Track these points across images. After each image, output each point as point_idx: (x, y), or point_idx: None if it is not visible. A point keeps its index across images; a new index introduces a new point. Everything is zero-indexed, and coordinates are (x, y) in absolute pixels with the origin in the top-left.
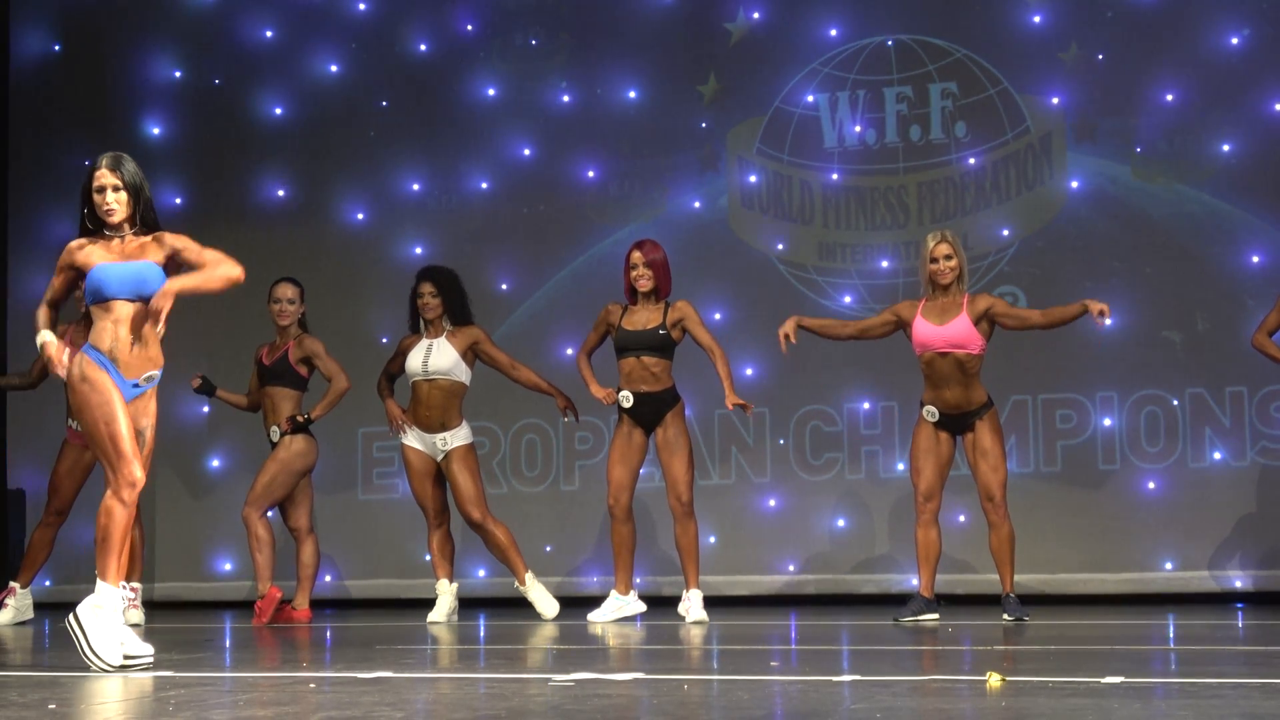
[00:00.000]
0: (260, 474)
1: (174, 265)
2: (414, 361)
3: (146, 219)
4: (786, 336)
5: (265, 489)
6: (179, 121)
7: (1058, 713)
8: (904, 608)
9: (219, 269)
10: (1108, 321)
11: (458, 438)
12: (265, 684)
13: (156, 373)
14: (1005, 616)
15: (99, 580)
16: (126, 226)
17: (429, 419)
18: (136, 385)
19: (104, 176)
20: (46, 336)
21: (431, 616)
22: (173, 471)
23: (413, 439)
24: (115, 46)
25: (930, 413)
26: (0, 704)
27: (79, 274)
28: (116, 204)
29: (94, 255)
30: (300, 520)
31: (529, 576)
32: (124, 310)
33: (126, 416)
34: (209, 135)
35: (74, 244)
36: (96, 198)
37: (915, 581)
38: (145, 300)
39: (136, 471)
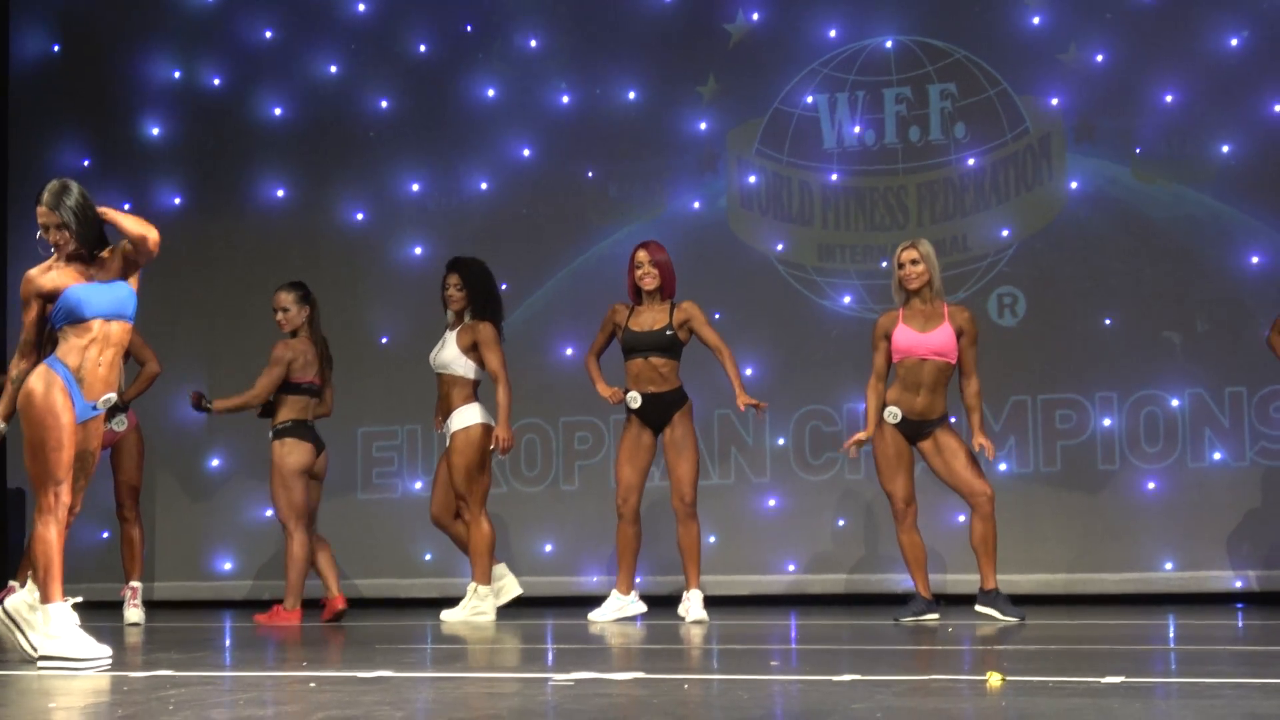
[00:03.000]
0: (272, 490)
1: (130, 267)
2: (431, 353)
3: (95, 241)
4: (859, 443)
5: (286, 501)
6: (178, 122)
7: (1058, 713)
8: (904, 608)
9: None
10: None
11: (454, 422)
12: (266, 683)
13: (113, 396)
14: (988, 611)
15: (43, 605)
16: (81, 252)
17: (440, 408)
18: (94, 407)
19: (44, 216)
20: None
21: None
22: (172, 472)
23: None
24: (115, 47)
25: (893, 414)
26: (1, 703)
27: (47, 300)
28: (61, 240)
29: (61, 278)
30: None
31: (480, 587)
32: (100, 330)
33: (72, 445)
34: (208, 135)
35: (33, 272)
36: (44, 233)
37: (905, 579)
38: (122, 319)
39: (67, 495)
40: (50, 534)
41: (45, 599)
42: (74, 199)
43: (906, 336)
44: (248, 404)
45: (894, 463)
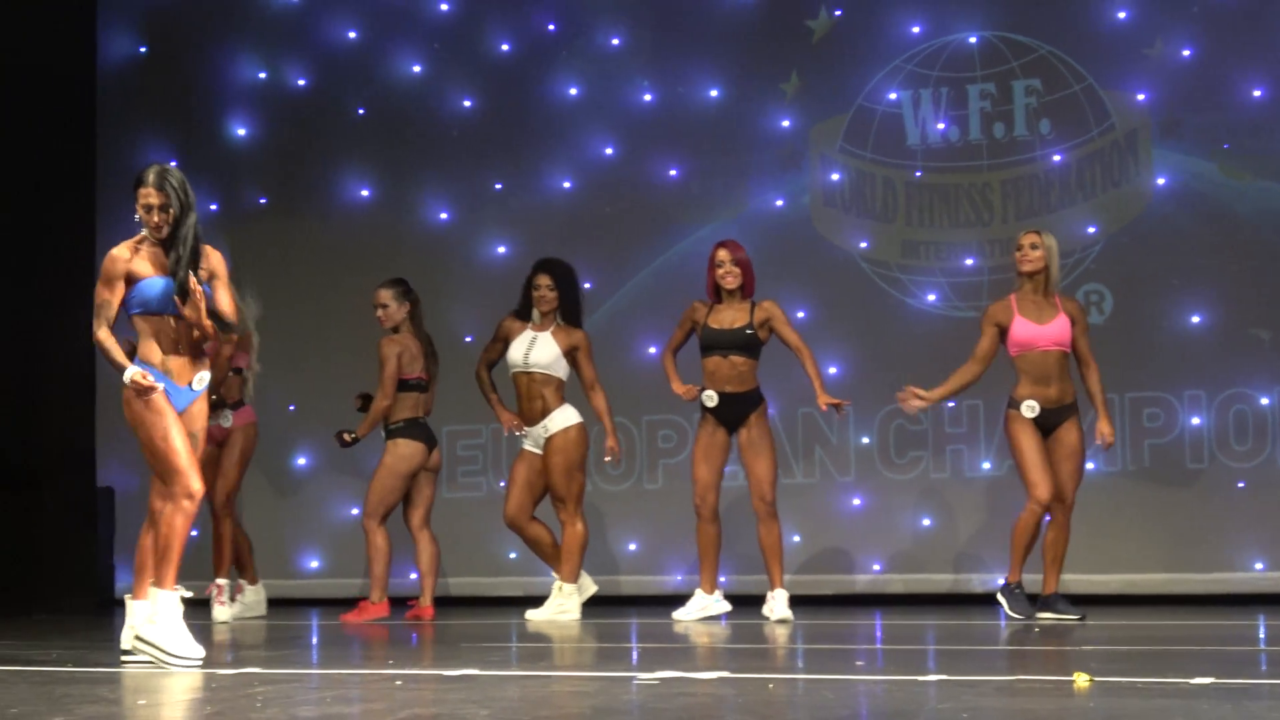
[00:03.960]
0: (371, 482)
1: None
2: (515, 352)
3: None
4: (911, 403)
5: (379, 498)
6: (263, 122)
7: (1146, 713)
8: (1036, 605)
9: (231, 313)
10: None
11: (554, 423)
12: (352, 681)
13: (206, 374)
14: (1048, 615)
15: (155, 589)
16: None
17: (531, 410)
18: (191, 389)
19: (149, 195)
20: (133, 371)
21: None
22: (258, 469)
23: (529, 443)
24: (200, 48)
25: (1031, 407)
26: (92, 700)
27: (128, 282)
28: (164, 222)
29: (142, 265)
30: (413, 518)
31: (565, 586)
32: (169, 321)
33: (181, 429)
34: (293, 136)
35: (118, 253)
36: (144, 215)
37: (1001, 580)
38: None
39: (194, 484)
40: (175, 521)
41: (159, 584)
42: (177, 179)
43: (1026, 329)
44: (380, 411)
45: (1042, 460)
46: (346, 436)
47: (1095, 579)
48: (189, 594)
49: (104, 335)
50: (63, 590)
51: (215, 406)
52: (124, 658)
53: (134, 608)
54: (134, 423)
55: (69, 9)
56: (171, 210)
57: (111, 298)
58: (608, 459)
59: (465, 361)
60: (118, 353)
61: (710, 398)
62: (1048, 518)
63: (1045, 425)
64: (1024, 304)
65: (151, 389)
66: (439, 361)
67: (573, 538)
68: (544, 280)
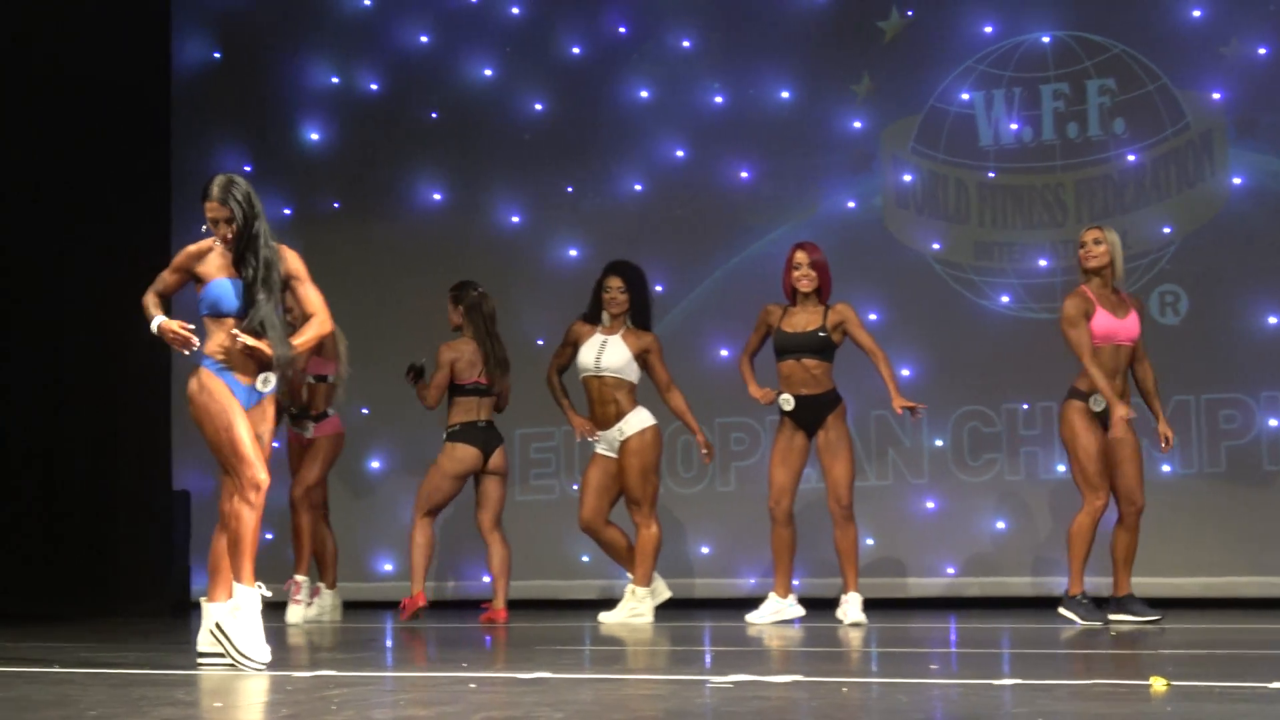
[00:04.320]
0: (424, 478)
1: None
2: (586, 356)
3: (250, 239)
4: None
5: (426, 494)
6: (336, 126)
7: (1223, 718)
8: (1110, 607)
9: (314, 328)
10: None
11: (629, 425)
12: (426, 684)
13: (271, 375)
14: (1123, 618)
15: (234, 583)
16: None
17: (604, 415)
18: (256, 390)
19: (213, 210)
20: (161, 319)
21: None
22: (333, 473)
23: (603, 447)
24: (274, 54)
25: (1098, 401)
26: (168, 702)
27: (193, 279)
28: (230, 234)
29: (214, 266)
30: (482, 521)
31: (639, 589)
32: (237, 323)
33: (244, 420)
34: (365, 140)
35: (192, 248)
36: (211, 226)
37: (1066, 583)
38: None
39: (260, 474)
40: (243, 513)
41: (236, 578)
42: (241, 190)
43: (1108, 322)
44: (425, 403)
45: (1102, 461)
46: (411, 375)
47: (1172, 582)
48: (269, 593)
49: (148, 299)
50: (139, 593)
51: (298, 417)
52: (200, 660)
53: (209, 610)
54: (197, 419)
55: (143, 16)
56: (235, 222)
57: (169, 279)
58: (704, 452)
59: (535, 364)
60: (153, 309)
61: (787, 401)
62: (1114, 520)
63: (1104, 421)
64: (1101, 297)
65: (186, 340)
66: (508, 367)
67: (647, 540)
68: (615, 282)
